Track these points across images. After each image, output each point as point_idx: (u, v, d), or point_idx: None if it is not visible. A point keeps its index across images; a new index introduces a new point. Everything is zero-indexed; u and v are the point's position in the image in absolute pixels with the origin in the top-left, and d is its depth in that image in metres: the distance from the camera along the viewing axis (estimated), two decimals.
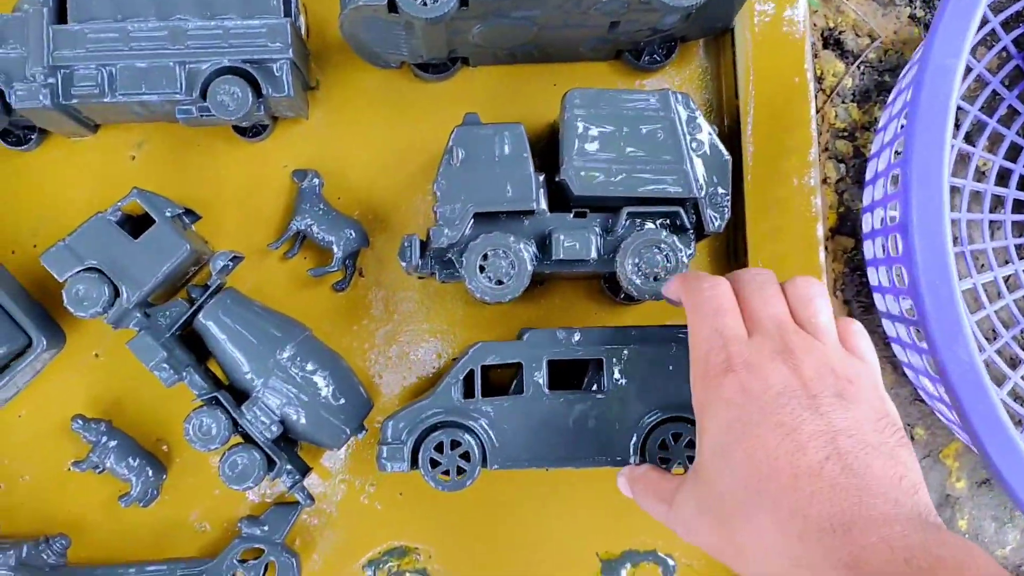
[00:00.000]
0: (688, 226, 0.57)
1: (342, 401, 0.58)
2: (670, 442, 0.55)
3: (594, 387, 0.57)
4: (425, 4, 0.53)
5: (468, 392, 0.57)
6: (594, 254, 0.57)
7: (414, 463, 0.56)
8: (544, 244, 0.57)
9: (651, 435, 0.55)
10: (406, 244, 0.57)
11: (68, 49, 0.57)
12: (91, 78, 0.57)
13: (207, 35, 0.57)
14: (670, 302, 0.52)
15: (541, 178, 0.56)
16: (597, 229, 0.57)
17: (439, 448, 0.55)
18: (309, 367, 0.57)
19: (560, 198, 0.58)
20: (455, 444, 0.55)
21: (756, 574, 0.41)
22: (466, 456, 0.55)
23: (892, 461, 0.40)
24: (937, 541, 0.36)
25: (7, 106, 0.57)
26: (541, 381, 0.56)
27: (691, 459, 0.54)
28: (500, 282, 0.56)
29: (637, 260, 0.56)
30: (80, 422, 0.61)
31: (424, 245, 0.58)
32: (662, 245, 0.56)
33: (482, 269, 0.56)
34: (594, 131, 0.56)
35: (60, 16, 0.58)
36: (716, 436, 0.43)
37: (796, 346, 0.44)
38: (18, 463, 0.63)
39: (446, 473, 0.55)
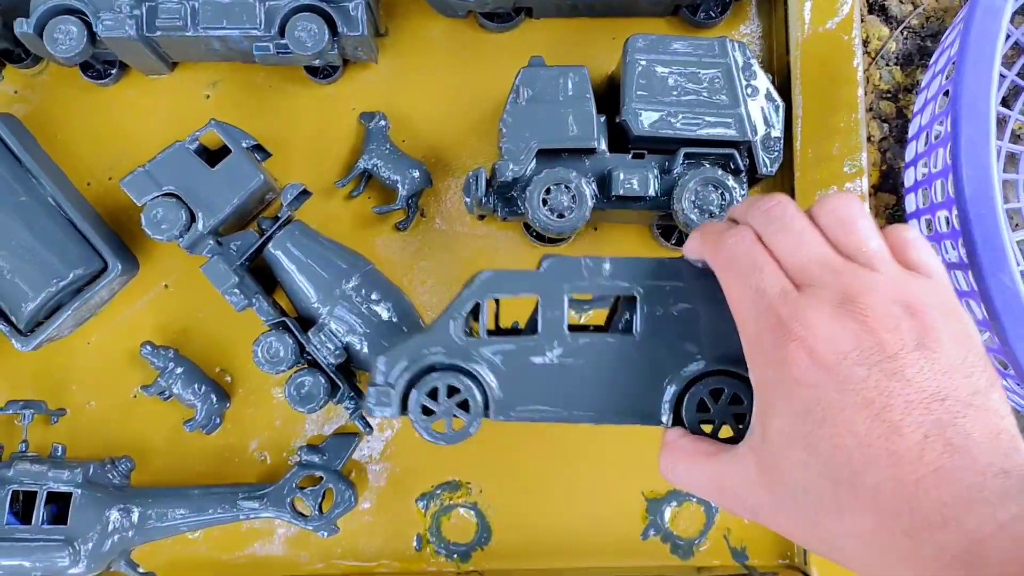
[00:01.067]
0: (742, 168, 0.60)
1: (404, 332, 0.60)
2: (716, 399, 0.44)
3: (622, 328, 0.47)
4: None
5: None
6: (652, 192, 0.59)
7: (404, 409, 0.46)
8: (603, 184, 0.59)
9: (690, 389, 0.44)
10: (471, 178, 0.59)
11: None
12: (175, 11, 0.60)
13: None
14: (694, 266, 0.44)
15: (602, 119, 0.59)
16: (655, 169, 0.60)
17: (433, 395, 0.45)
18: (374, 296, 0.59)
19: (619, 141, 0.60)
20: (452, 391, 0.45)
21: (855, 567, 0.37)
22: (464, 405, 0.45)
23: (987, 415, 0.35)
24: None
25: (93, 36, 0.60)
26: (560, 319, 0.45)
27: (737, 420, 0.44)
28: (561, 215, 0.58)
29: (694, 197, 0.58)
30: (149, 348, 0.62)
31: (488, 181, 0.60)
32: (718, 183, 0.58)
33: (545, 203, 0.58)
34: (654, 74, 0.58)
35: None
36: (790, 422, 0.37)
37: (855, 290, 0.37)
38: (85, 389, 0.65)
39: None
